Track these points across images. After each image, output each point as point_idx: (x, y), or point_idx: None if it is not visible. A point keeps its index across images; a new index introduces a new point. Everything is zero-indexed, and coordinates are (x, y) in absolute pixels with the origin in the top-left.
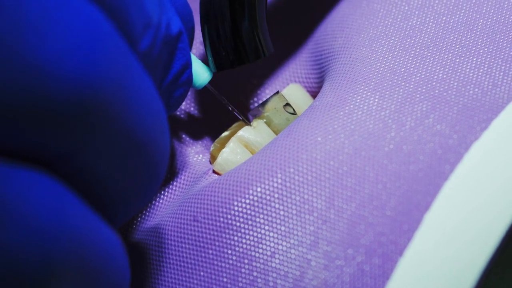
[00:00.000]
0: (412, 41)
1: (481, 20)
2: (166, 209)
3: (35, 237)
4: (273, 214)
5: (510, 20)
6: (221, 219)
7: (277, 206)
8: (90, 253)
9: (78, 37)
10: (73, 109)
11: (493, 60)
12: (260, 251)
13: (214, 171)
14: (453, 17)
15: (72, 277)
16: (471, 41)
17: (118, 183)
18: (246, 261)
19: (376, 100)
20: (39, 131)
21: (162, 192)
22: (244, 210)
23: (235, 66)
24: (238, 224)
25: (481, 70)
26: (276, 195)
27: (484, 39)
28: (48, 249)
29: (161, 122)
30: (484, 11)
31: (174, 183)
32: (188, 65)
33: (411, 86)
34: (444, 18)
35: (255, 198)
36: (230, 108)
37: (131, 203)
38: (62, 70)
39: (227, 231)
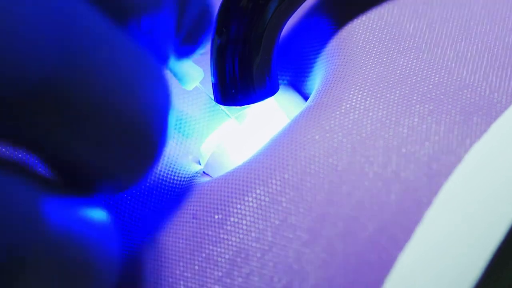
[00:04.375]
0: (406, 45)
1: (475, 27)
2: (157, 208)
3: (5, 229)
4: (272, 211)
5: (504, 28)
6: (220, 216)
7: (275, 205)
8: (70, 242)
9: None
10: (32, 93)
11: (489, 66)
12: (258, 245)
13: (204, 172)
14: (447, 24)
15: (47, 268)
16: (466, 47)
17: (102, 160)
18: (242, 255)
19: (373, 100)
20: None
21: (154, 192)
22: (243, 207)
23: (242, 105)
24: (236, 220)
25: (477, 75)
26: (274, 193)
27: (479, 46)
28: (19, 240)
29: (152, 79)
30: (478, 19)
31: (164, 183)
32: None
33: (407, 88)
34: (438, 24)
35: (254, 195)
36: (220, 107)
37: (120, 178)
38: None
39: (224, 227)
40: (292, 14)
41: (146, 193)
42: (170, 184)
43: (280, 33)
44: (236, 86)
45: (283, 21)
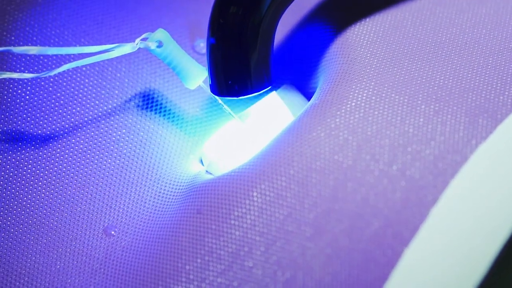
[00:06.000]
0: (411, 47)
1: (480, 32)
2: (160, 206)
3: None
4: (276, 206)
5: (509, 33)
6: (224, 210)
7: (280, 200)
8: None
9: None
10: None
11: (493, 70)
12: (262, 239)
13: (207, 171)
14: (451, 29)
15: None
16: (470, 51)
17: None
18: (246, 249)
19: (378, 99)
20: None
21: (158, 190)
22: (248, 202)
23: (239, 96)
24: (240, 214)
25: (482, 79)
26: (280, 188)
27: (484, 50)
28: None
29: None
30: (482, 24)
31: (167, 182)
32: None
33: (412, 88)
34: (442, 29)
35: (259, 190)
36: (223, 107)
37: None
38: None
39: (228, 221)
40: (289, 5)
41: (150, 191)
42: (173, 183)
43: (277, 25)
44: (233, 76)
45: (279, 12)
